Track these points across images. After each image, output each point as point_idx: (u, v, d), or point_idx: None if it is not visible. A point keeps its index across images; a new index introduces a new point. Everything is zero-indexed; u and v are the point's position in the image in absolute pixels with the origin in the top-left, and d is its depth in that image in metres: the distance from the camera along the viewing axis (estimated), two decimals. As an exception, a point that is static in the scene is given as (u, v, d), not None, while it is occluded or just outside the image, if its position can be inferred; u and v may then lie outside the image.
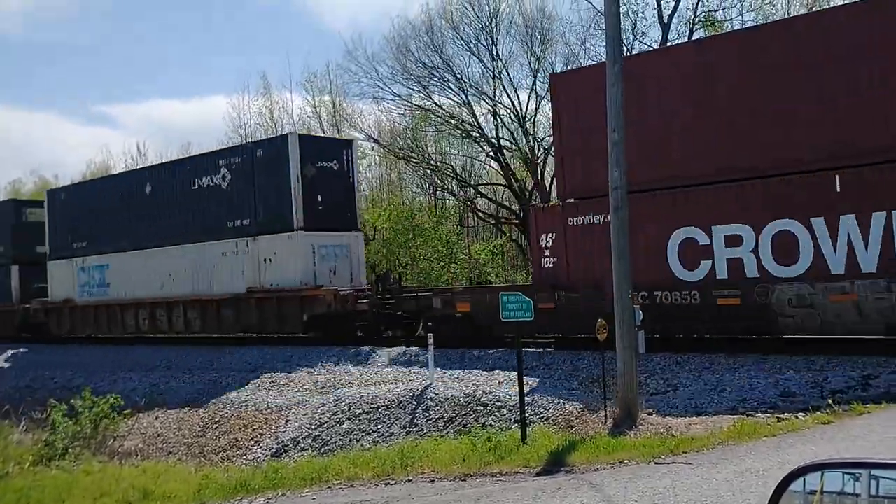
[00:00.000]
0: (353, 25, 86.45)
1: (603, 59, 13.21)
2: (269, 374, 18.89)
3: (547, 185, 33.72)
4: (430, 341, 15.58)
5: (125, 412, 16.75)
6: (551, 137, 23.63)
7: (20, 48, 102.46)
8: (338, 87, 42.88)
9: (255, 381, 18.53)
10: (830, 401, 10.82)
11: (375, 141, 39.14)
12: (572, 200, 16.99)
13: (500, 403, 13.14)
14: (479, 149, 37.81)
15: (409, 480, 9.64)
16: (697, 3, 31.07)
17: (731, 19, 30.71)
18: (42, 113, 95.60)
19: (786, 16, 29.85)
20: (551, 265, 17.14)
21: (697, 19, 30.93)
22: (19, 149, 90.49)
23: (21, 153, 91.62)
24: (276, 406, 16.29)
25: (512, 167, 36.00)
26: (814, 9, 29.48)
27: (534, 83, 36.14)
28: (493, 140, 35.57)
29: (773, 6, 30.05)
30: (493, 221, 39.47)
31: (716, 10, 30.88)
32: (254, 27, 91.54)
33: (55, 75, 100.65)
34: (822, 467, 3.07)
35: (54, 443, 14.74)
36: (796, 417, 10.51)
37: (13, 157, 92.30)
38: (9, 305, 32.31)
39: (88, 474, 12.65)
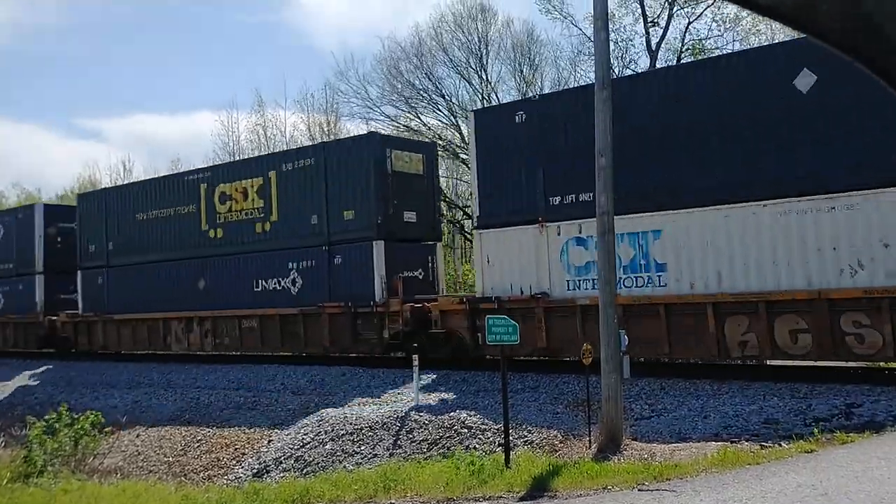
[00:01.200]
0: (343, 45, 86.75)
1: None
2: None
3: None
4: (416, 363, 15.54)
5: (106, 429, 16.62)
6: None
7: (4, 58, 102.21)
8: (329, 105, 43.13)
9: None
10: (814, 429, 10.84)
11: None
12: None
13: (484, 426, 13.10)
14: (467, 169, 38.05)
15: (392, 504, 9.58)
16: (685, 32, 31.39)
17: (718, 48, 31.03)
18: (25, 124, 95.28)
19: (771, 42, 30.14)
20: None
21: (685, 47, 31.22)
22: (3, 161, 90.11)
23: (2, 164, 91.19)
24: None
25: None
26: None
27: (523, 106, 36.33)
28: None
29: (759, 35, 30.35)
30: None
31: (704, 39, 31.20)
32: (242, 44, 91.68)
33: (40, 87, 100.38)
34: None
35: (33, 460, 14.60)
36: (780, 445, 10.51)
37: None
38: (362, 305, 19.73)
39: (67, 493, 12.53)
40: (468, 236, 39.09)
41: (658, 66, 31.51)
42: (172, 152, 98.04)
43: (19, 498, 12.40)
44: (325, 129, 42.26)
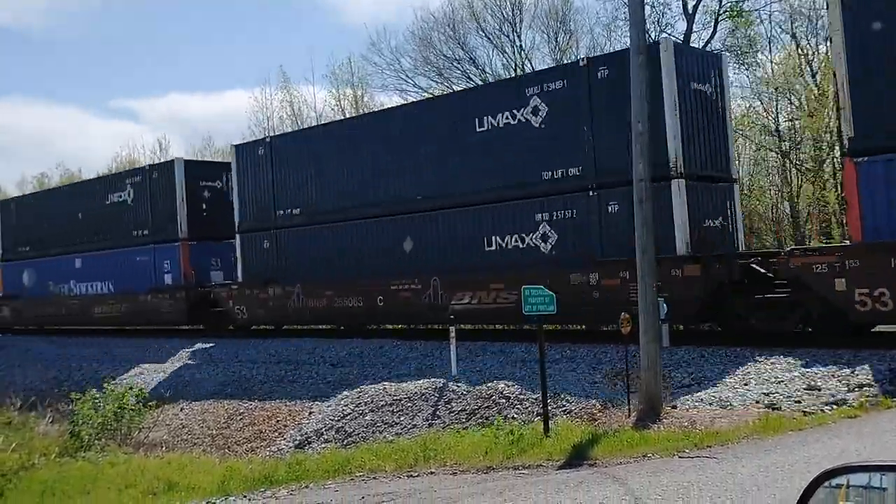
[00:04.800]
0: (375, 20, 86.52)
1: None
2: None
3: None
4: (453, 334, 15.55)
5: (150, 403, 16.91)
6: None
7: (42, 42, 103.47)
8: (360, 79, 43.07)
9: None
10: (857, 394, 10.70)
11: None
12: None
13: (522, 396, 13.10)
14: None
15: (432, 473, 9.64)
16: (722, -6, 30.76)
17: (757, 9, 30.42)
18: (65, 107, 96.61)
19: (812, 8, 29.46)
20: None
21: (722, 10, 30.64)
22: (41, 142, 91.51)
23: (43, 146, 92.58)
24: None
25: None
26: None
27: (557, 75, 35.95)
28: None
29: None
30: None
31: (741, 1, 30.58)
32: (274, 23, 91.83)
33: (77, 70, 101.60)
34: (850, 470, 3.00)
35: (80, 434, 14.89)
36: (822, 411, 10.40)
37: (36, 151, 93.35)
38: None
39: (114, 466, 12.80)
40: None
41: (695, 29, 30.97)
42: (206, 130, 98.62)
43: (68, 471, 12.69)
44: (354, 103, 42.29)
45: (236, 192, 23.65)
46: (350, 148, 20.82)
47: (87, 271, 29.12)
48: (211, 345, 23.40)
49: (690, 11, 31.15)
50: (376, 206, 20.07)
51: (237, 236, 23.64)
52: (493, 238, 17.88)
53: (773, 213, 31.21)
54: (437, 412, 13.61)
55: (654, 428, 10.53)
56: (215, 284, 24.95)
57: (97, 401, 15.78)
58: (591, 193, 16.42)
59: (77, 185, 34.71)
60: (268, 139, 24.04)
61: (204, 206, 25.89)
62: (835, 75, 13.26)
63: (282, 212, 22.42)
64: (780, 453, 8.21)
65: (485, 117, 18.01)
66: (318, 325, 22.95)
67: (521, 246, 17.43)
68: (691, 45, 28.73)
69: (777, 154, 30.16)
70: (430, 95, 35.78)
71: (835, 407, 10.50)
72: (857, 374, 11.84)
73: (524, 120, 17.35)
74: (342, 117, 36.98)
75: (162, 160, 45.56)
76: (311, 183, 21.73)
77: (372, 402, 14.60)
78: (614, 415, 11.65)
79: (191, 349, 23.41)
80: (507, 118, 17.65)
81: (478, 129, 18.10)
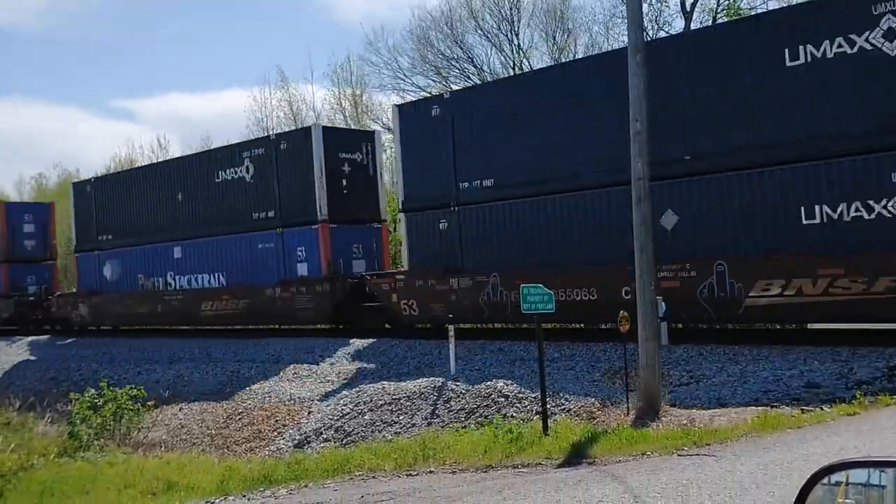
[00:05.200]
0: (369, 19, 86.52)
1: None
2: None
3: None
4: (452, 333, 15.56)
5: (149, 403, 16.90)
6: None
7: (42, 42, 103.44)
8: (358, 78, 43.05)
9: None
10: (857, 392, 10.69)
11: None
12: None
13: (521, 395, 13.10)
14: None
15: (431, 472, 9.63)
16: (721, -9, 30.73)
17: (754, 8, 30.38)
18: (63, 107, 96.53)
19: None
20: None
21: (721, 7, 30.63)
22: (40, 142, 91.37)
23: (42, 147, 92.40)
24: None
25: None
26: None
27: (555, 73, 35.94)
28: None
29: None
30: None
31: (739, -1, 30.55)
32: (272, 22, 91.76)
33: (76, 69, 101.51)
34: (848, 466, 2.99)
35: (79, 434, 14.89)
36: (821, 409, 10.40)
37: (34, 151, 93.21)
38: None
39: (112, 466, 12.79)
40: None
41: (692, 27, 30.92)
42: (205, 130, 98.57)
43: (67, 472, 12.69)
44: (353, 103, 42.29)
45: (400, 163, 19.74)
46: (573, 100, 16.54)
47: (191, 262, 24.98)
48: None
49: (688, 9, 31.16)
50: (613, 171, 15.13)
51: (401, 216, 19.84)
52: (818, 207, 13.53)
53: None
54: (436, 411, 13.61)
55: (652, 426, 10.52)
56: (371, 275, 21.11)
57: (94, 402, 15.76)
58: None
59: (175, 162, 28.51)
60: (445, 95, 19.83)
61: (344, 183, 21.92)
62: None
63: (466, 184, 18.26)
64: (779, 451, 8.21)
65: (801, 46, 13.65)
66: (522, 325, 18.00)
67: (866, 217, 13.09)
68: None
69: None
70: (428, 94, 35.77)
71: (833, 404, 10.49)
72: (856, 372, 11.85)
73: (871, 47, 12.93)
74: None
75: (161, 159, 44.19)
76: (512, 146, 17.47)
77: (371, 401, 14.60)
78: (613, 413, 11.65)
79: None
80: (839, 46, 13.26)
81: (788, 63, 13.75)
